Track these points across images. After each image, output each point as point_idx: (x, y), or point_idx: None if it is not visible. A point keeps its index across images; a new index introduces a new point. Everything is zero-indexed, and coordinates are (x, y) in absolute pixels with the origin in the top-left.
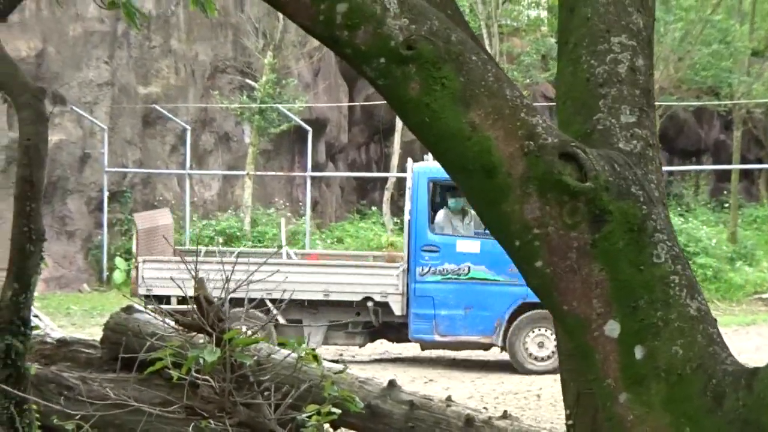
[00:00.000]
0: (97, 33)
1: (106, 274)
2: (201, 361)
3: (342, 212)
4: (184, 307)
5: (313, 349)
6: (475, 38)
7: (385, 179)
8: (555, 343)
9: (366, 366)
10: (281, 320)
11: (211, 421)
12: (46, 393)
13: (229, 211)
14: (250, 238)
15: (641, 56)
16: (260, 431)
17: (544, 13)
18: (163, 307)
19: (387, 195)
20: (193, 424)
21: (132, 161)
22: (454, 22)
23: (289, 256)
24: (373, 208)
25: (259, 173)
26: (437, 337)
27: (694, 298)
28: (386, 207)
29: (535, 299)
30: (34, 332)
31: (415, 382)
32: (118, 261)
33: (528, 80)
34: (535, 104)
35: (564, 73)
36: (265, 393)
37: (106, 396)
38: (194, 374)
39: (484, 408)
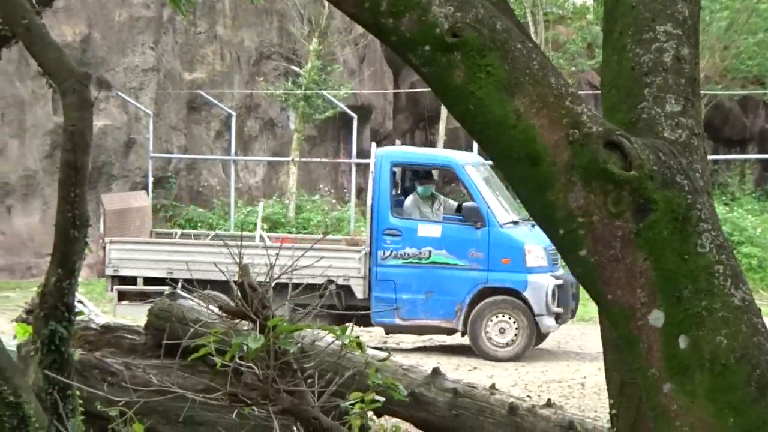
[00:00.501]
0: (143, 18)
1: None
2: (245, 347)
3: None
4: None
5: (357, 337)
6: (520, 26)
7: None
8: (516, 329)
9: (410, 353)
10: None
11: (255, 408)
12: (89, 379)
13: (274, 197)
14: (294, 224)
15: (686, 45)
16: (303, 418)
17: (589, 1)
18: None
19: None
20: (236, 411)
21: (177, 147)
22: (499, 10)
23: (262, 239)
24: None
25: (304, 160)
26: (399, 321)
27: (738, 288)
28: None
29: (496, 284)
30: (78, 318)
31: (459, 370)
32: None
33: (573, 68)
34: (580, 92)
35: (609, 61)
36: (309, 380)
37: (150, 382)
38: (238, 361)
39: (528, 396)
